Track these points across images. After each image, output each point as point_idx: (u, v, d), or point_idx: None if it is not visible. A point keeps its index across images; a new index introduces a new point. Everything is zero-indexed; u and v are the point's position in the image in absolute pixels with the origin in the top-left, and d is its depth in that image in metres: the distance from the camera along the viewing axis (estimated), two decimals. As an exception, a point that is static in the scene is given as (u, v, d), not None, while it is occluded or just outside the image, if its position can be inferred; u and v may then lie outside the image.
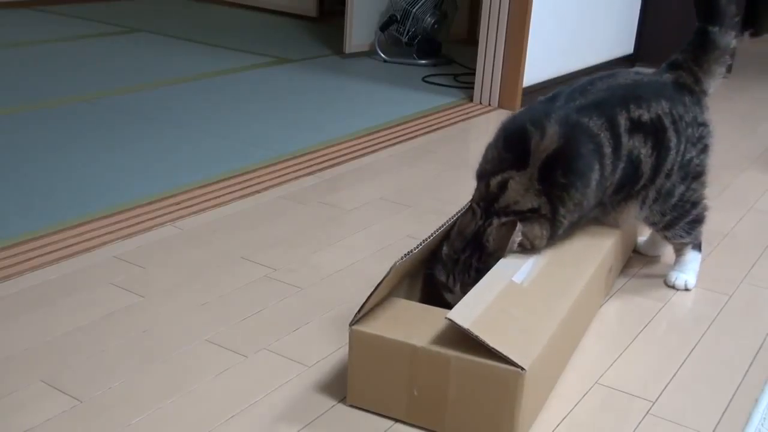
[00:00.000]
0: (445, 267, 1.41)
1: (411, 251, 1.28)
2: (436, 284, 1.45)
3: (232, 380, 1.35)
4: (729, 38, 1.63)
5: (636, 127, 1.51)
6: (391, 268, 1.23)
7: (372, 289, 1.23)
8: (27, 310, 1.52)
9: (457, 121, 2.94)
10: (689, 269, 1.73)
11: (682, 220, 1.64)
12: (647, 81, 1.62)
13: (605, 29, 3.60)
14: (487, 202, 1.43)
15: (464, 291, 1.33)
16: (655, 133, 1.53)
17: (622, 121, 1.50)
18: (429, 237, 1.37)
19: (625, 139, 1.50)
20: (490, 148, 1.49)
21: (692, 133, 1.59)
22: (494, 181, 1.43)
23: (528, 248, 1.43)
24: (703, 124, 1.63)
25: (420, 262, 1.42)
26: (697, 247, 1.73)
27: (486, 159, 1.49)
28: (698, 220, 1.68)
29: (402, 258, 1.26)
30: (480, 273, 1.37)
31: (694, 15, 1.66)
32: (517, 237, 1.40)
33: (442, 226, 1.44)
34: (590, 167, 1.44)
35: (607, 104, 1.51)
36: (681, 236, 1.67)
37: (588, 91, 1.56)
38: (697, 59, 1.64)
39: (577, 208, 1.45)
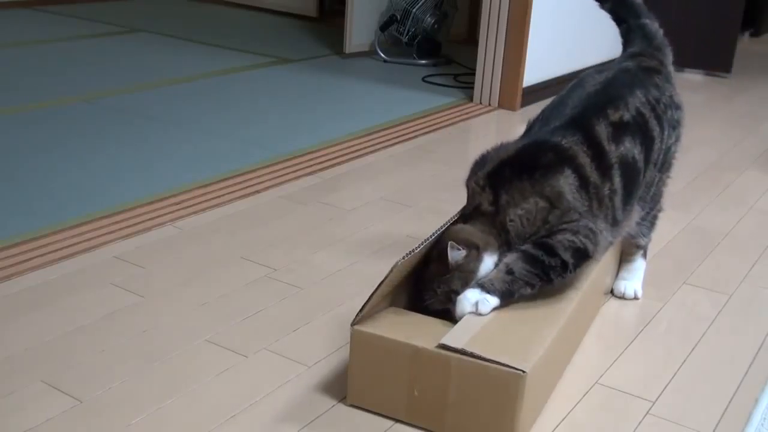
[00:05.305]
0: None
1: (412, 250, 1.28)
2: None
3: (232, 380, 1.35)
4: (655, 26, 1.69)
5: (620, 130, 1.44)
6: (392, 268, 1.23)
7: (373, 289, 1.24)
8: (27, 310, 1.52)
9: (456, 121, 2.94)
10: (637, 277, 1.69)
11: (652, 211, 1.62)
12: (614, 76, 1.55)
13: (605, 29, 3.59)
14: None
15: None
16: (639, 128, 1.47)
17: (603, 131, 1.42)
18: (430, 236, 1.36)
19: (611, 147, 1.42)
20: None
21: (672, 115, 1.55)
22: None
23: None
24: (679, 108, 1.58)
25: (421, 262, 1.41)
26: (645, 254, 1.70)
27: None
28: (658, 214, 1.65)
29: (403, 257, 1.26)
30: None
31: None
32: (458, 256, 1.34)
33: (444, 226, 1.43)
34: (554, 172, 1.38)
35: (583, 117, 1.44)
36: (644, 233, 1.64)
37: (559, 107, 1.50)
38: (651, 45, 1.66)
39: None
